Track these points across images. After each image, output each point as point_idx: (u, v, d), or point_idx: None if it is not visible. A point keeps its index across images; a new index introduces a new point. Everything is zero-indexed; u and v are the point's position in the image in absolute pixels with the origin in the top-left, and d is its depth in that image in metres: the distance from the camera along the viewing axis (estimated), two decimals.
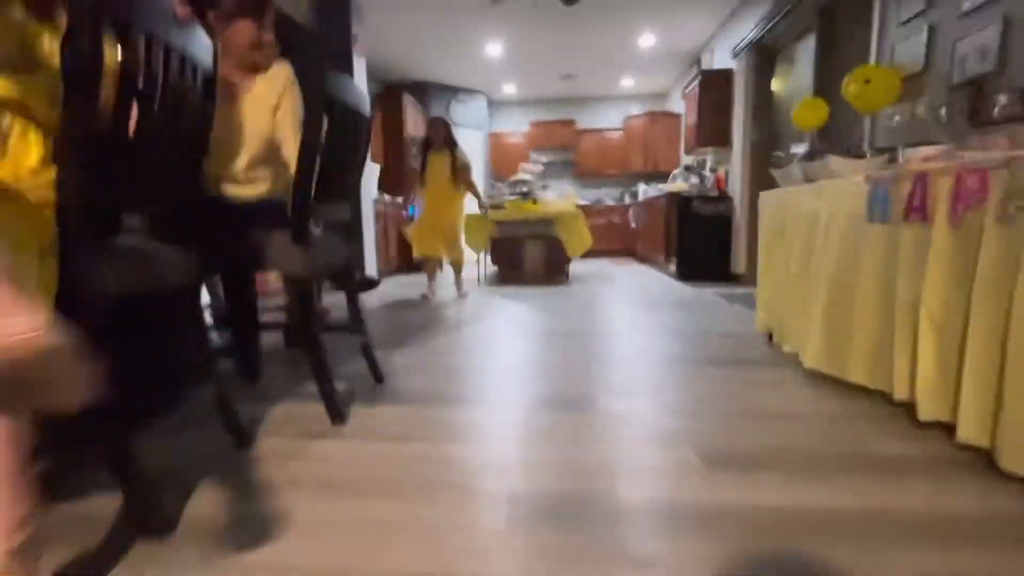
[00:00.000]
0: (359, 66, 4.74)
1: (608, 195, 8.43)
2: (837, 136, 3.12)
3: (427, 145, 4.12)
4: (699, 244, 4.93)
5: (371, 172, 5.17)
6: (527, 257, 5.38)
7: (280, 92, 1.61)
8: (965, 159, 1.27)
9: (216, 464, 1.26)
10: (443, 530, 1.00)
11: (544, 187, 6.59)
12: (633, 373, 2.00)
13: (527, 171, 5.77)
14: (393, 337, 2.74)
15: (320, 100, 1.39)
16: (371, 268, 4.97)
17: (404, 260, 6.16)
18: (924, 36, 2.41)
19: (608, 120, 8.33)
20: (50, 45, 0.99)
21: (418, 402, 1.72)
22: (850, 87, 2.40)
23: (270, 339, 2.44)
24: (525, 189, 5.41)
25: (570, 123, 8.20)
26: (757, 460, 1.26)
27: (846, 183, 1.74)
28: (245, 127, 1.58)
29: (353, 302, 1.90)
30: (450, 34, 5.55)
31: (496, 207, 5.36)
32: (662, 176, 7.35)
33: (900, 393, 1.46)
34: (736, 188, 4.83)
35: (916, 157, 1.57)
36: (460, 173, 4.06)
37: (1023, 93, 1.46)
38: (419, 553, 0.93)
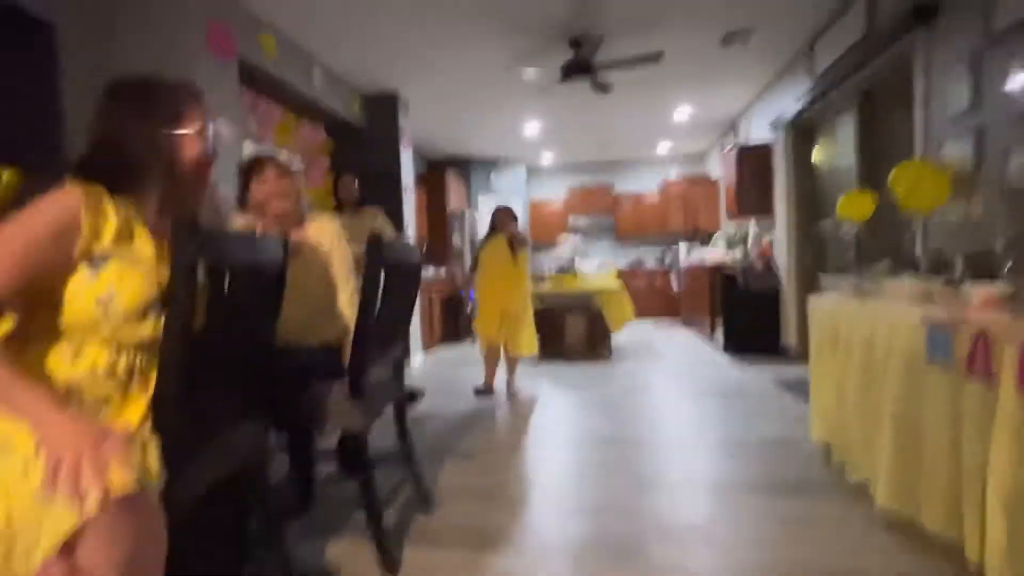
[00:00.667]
0: (406, 155, 5.04)
1: (648, 255, 8.40)
2: (886, 228, 3.04)
3: (491, 234, 3.87)
4: (746, 318, 4.81)
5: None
6: (568, 330, 5.38)
7: (330, 244, 1.74)
8: None
9: None
10: None
11: (584, 254, 6.66)
12: (681, 506, 1.94)
13: (566, 244, 5.87)
14: (436, 440, 2.77)
15: (377, 267, 1.49)
16: (416, 345, 5.09)
17: (445, 332, 6.28)
18: (972, 136, 2.36)
19: (645, 183, 8.41)
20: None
21: (472, 544, 1.70)
22: (898, 188, 2.37)
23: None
24: (565, 263, 5.48)
25: (608, 187, 8.33)
26: None
27: (904, 314, 1.69)
28: (302, 282, 1.71)
29: (403, 429, 1.95)
30: (490, 119, 5.85)
31: (537, 280, 5.44)
32: (703, 236, 7.30)
33: (971, 553, 1.36)
34: (782, 260, 4.73)
35: (977, 299, 1.52)
36: (519, 247, 3.79)
37: None
38: None
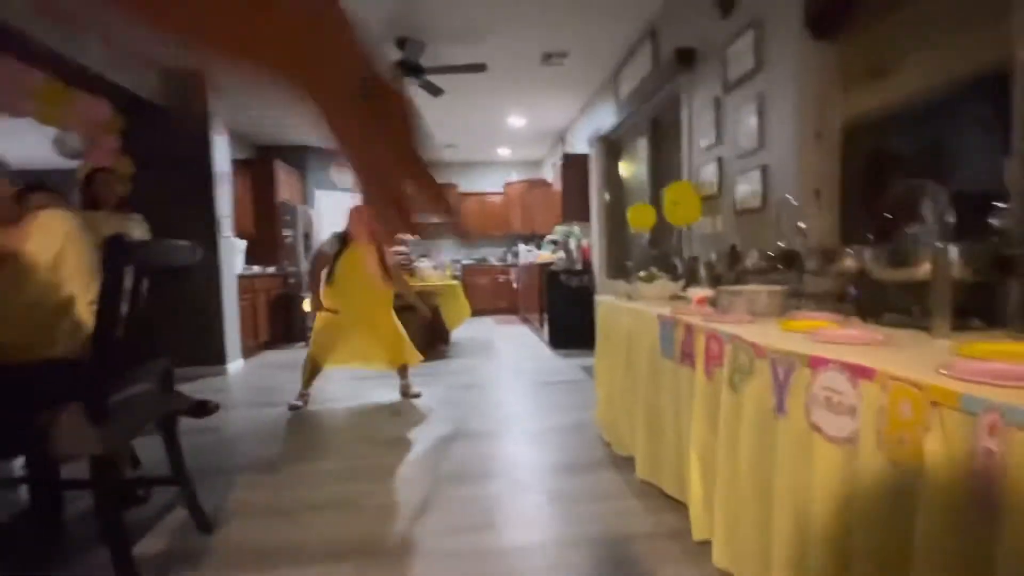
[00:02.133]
0: (220, 140, 4.55)
1: (492, 254, 8.73)
2: (666, 235, 3.57)
3: (346, 238, 3.31)
4: (567, 313, 5.27)
5: (233, 247, 4.89)
6: (407, 329, 5.36)
7: (58, 248, 1.50)
8: (713, 320, 1.55)
9: None
10: None
11: (423, 256, 6.69)
12: (488, 499, 2.07)
13: (404, 241, 5.83)
14: (237, 451, 2.58)
15: (117, 270, 1.34)
16: (234, 350, 4.65)
17: (274, 334, 5.83)
18: (716, 165, 2.89)
19: (489, 184, 8.72)
20: None
21: (249, 565, 1.63)
22: (665, 206, 2.81)
23: None
24: (403, 261, 5.44)
25: (452, 187, 8.46)
26: None
27: (647, 315, 2.01)
28: (21, 290, 1.46)
29: (173, 448, 1.78)
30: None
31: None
32: (540, 238, 7.82)
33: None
34: (595, 261, 5.28)
35: (693, 298, 1.87)
36: (389, 263, 3.45)
37: (762, 253, 1.83)
38: None
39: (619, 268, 4.49)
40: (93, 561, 1.65)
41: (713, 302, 1.82)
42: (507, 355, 5.04)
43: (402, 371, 3.61)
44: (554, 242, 6.18)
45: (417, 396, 3.57)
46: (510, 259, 8.45)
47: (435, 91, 4.41)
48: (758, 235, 2.43)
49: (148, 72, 4.05)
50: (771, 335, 1.30)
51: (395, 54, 3.94)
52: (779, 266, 1.80)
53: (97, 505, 1.38)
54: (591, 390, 3.56)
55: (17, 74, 2.98)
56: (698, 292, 1.90)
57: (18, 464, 2.18)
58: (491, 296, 8.11)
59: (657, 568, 1.54)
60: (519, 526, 1.82)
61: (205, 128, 4.39)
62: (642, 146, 4.45)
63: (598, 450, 2.49)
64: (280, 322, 5.95)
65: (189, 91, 4.35)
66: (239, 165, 5.73)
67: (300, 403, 3.37)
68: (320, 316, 3.30)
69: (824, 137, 2.13)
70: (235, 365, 4.62)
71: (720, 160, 2.86)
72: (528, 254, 7.51)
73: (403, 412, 3.25)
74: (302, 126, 6.25)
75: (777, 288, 1.59)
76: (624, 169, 5.10)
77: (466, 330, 6.48)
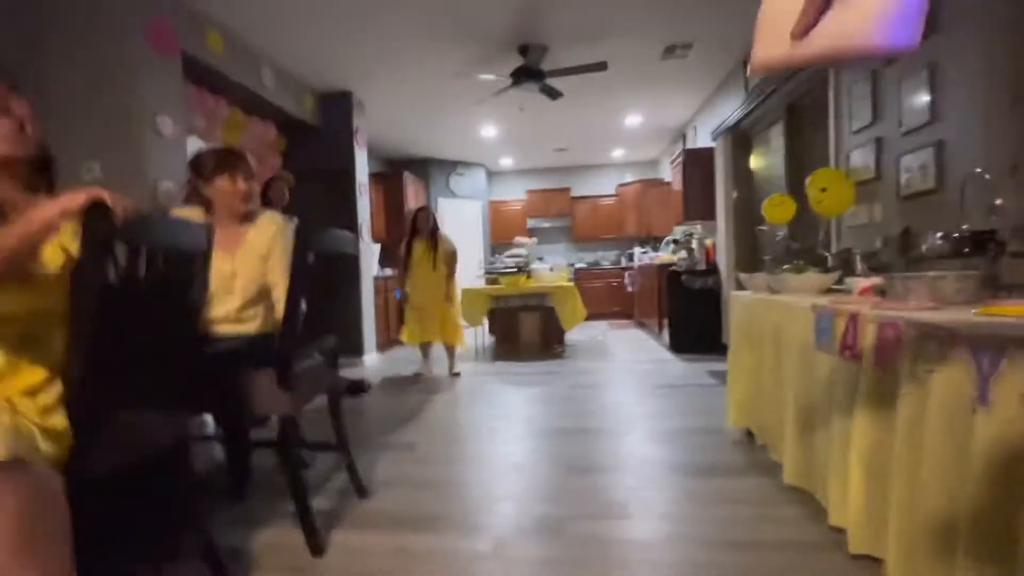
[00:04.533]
0: (360, 154, 5.05)
1: (604, 258, 8.62)
2: (807, 229, 3.27)
3: (413, 233, 4.27)
4: (690, 316, 5.02)
5: (371, 251, 5.40)
6: (523, 329, 5.50)
7: (270, 240, 1.80)
8: (885, 308, 1.39)
9: None
10: None
11: (540, 258, 6.80)
12: (621, 487, 2.05)
13: (521, 244, 5.98)
14: (380, 431, 2.82)
15: (303, 257, 1.55)
16: (370, 343, 5.10)
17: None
18: (873, 147, 2.59)
19: (602, 187, 8.64)
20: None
21: (406, 527, 1.77)
22: (810, 193, 2.57)
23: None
24: (520, 263, 5.59)
25: (565, 191, 8.52)
26: None
27: (798, 305, 1.86)
28: (239, 273, 1.76)
29: (337, 418, 2.00)
30: (447, 121, 5.92)
31: (492, 281, 5.53)
32: (657, 240, 7.56)
33: (834, 519, 1.53)
34: (722, 261, 4.98)
35: (856, 287, 1.69)
36: (446, 260, 4.27)
37: (944, 236, 1.60)
38: None
39: (752, 265, 4.20)
40: (277, 511, 1.91)
41: (881, 291, 1.63)
42: (626, 357, 4.93)
43: (450, 350, 4.41)
44: (675, 241, 5.95)
45: (457, 375, 4.32)
46: (624, 262, 8.27)
47: (554, 95, 4.49)
48: (928, 222, 2.13)
49: (303, 97, 4.63)
50: (966, 321, 1.13)
51: (517, 61, 4.08)
52: (966, 250, 1.56)
53: (282, 460, 1.60)
54: (720, 395, 3.36)
55: (212, 105, 3.58)
56: (861, 281, 1.71)
57: (210, 424, 2.59)
58: (605, 300, 8.00)
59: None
60: (653, 519, 1.77)
61: (350, 144, 4.91)
62: (776, 136, 4.12)
63: (736, 454, 2.34)
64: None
65: (336, 111, 4.89)
66: (374, 177, 6.30)
67: (424, 371, 4.39)
68: (407, 307, 4.33)
69: (1023, 102, 1.81)
70: (370, 357, 5.06)
71: (879, 141, 2.56)
72: (644, 256, 7.31)
73: (527, 405, 3.33)
74: (424, 141, 6.73)
75: (968, 273, 1.38)
76: (754, 163, 4.77)
77: (579, 333, 6.47)
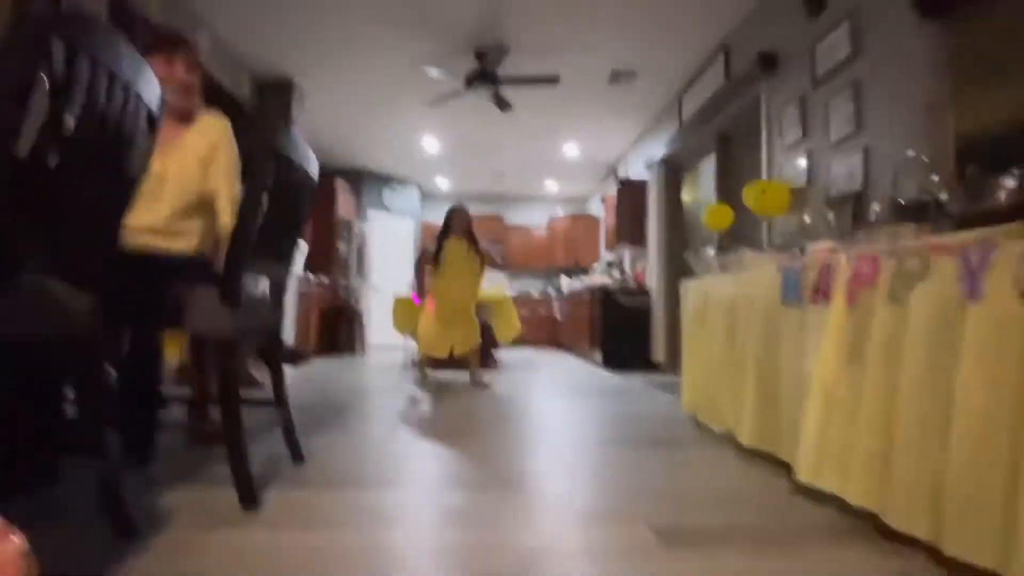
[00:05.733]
0: None
1: (533, 287, 8.73)
2: (741, 236, 3.51)
3: (445, 232, 3.85)
4: (623, 334, 5.14)
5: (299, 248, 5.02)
6: None
7: (213, 143, 1.56)
8: (861, 249, 1.48)
9: (94, 563, 1.02)
10: None
11: None
12: (568, 456, 1.95)
13: None
14: (314, 419, 2.51)
15: (269, 151, 1.36)
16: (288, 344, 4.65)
17: (325, 342, 5.85)
18: (804, 158, 2.87)
19: (534, 218, 8.86)
20: None
21: (340, 484, 1.54)
22: (750, 196, 2.77)
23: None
24: None
25: (499, 219, 8.62)
26: (709, 535, 1.24)
27: (764, 271, 1.93)
28: (169, 177, 1.50)
29: (278, 373, 1.73)
30: (390, 126, 5.81)
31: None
32: (583, 271, 7.80)
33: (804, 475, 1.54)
34: (653, 283, 5.20)
35: (819, 248, 1.80)
36: (485, 261, 3.91)
37: (891, 201, 1.76)
38: None
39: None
40: (194, 475, 1.58)
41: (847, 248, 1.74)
42: (561, 371, 4.90)
43: (474, 358, 3.95)
44: (609, 264, 6.15)
45: (487, 387, 3.81)
46: (551, 291, 8.41)
47: (504, 105, 4.58)
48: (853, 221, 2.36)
49: (240, 76, 4.33)
50: (951, 235, 1.22)
51: (471, 64, 4.14)
52: (912, 221, 1.72)
53: (222, 391, 1.33)
54: (663, 396, 3.41)
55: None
56: (820, 244, 1.82)
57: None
58: (532, 328, 7.99)
59: (783, 512, 1.38)
60: (622, 475, 1.68)
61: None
62: (707, 164, 4.48)
63: (690, 431, 2.34)
64: (328, 332, 5.98)
65: (274, 99, 4.63)
66: None
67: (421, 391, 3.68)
68: (424, 315, 3.90)
69: (936, 108, 2.10)
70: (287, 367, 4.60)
71: (809, 153, 2.84)
72: (573, 284, 7.48)
73: (467, 401, 3.14)
74: (361, 149, 6.55)
75: (923, 225, 1.52)
76: (686, 193, 5.12)
77: (509, 354, 6.38)
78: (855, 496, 1.28)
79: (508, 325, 4.99)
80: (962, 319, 1.09)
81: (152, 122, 1.14)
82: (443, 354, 3.80)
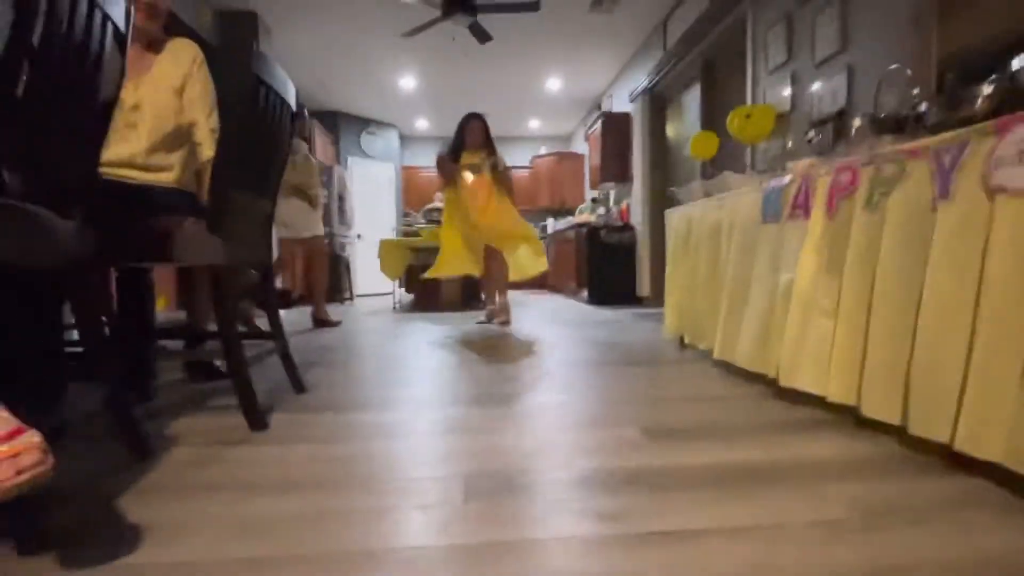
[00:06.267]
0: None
1: None
2: (724, 165, 3.51)
3: (460, 146, 3.36)
4: (608, 270, 5.22)
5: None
6: (444, 284, 5.34)
7: (186, 71, 1.51)
8: (840, 162, 1.51)
9: (110, 479, 1.07)
10: (398, 511, 0.93)
11: None
12: (558, 375, 2.04)
13: (441, 200, 5.81)
14: (310, 358, 2.56)
15: (248, 79, 1.32)
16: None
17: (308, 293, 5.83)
18: (788, 82, 2.84)
19: (517, 159, 8.68)
20: None
21: (342, 409, 1.61)
22: (734, 122, 2.75)
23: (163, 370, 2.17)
24: (440, 217, 5.42)
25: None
26: (691, 432, 1.34)
27: (744, 193, 1.97)
28: (144, 107, 1.45)
29: (271, 306, 1.76)
30: (364, 63, 5.56)
31: (412, 235, 5.31)
32: (569, 211, 7.76)
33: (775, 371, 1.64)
34: (637, 220, 5.23)
35: (799, 165, 1.82)
36: (502, 177, 3.36)
37: (871, 116, 1.78)
38: (370, 535, 0.85)
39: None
40: (196, 405, 1.63)
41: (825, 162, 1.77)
42: (549, 309, 5.00)
43: (501, 289, 3.59)
44: (593, 200, 6.13)
45: (507, 324, 3.52)
46: (537, 232, 8.40)
47: (484, 36, 4.39)
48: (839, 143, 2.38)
49: (199, 7, 4.07)
50: (928, 138, 1.25)
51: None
52: (891, 134, 1.75)
53: (219, 321, 1.36)
54: (648, 325, 3.52)
55: None
56: (800, 162, 1.85)
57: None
58: None
59: (769, 413, 1.49)
60: (610, 389, 1.78)
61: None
62: (693, 95, 4.40)
63: (675, 352, 2.45)
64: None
65: (238, 35, 4.37)
66: None
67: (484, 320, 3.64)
68: (444, 236, 3.45)
69: (921, 20, 2.07)
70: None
71: (793, 75, 2.81)
72: (557, 224, 7.47)
73: (458, 335, 3.22)
74: (335, 90, 6.28)
75: (901, 136, 1.54)
76: (670, 129, 5.05)
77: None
78: (834, 393, 1.38)
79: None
80: (933, 219, 1.14)
81: (121, 42, 1.09)
82: (453, 273, 3.46)
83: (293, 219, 3.87)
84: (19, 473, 0.60)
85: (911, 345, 1.17)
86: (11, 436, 0.62)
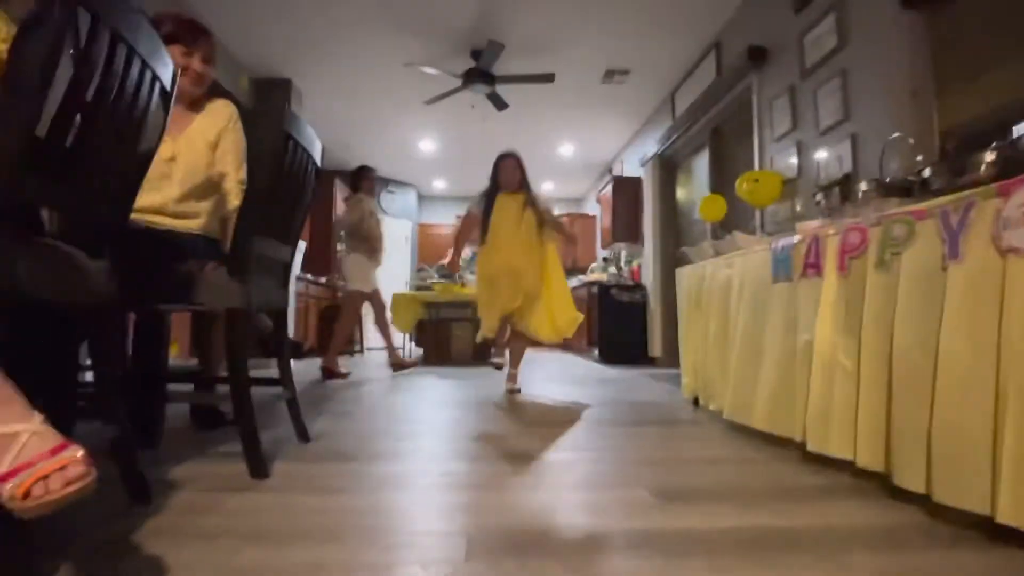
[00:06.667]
0: None
1: None
2: (734, 227, 3.57)
3: (495, 189, 2.99)
4: (619, 329, 5.19)
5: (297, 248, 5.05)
6: (455, 339, 5.34)
7: (221, 127, 1.61)
8: (849, 222, 1.53)
9: (108, 524, 1.05)
10: (398, 567, 0.89)
11: (473, 273, 6.74)
12: (568, 434, 1.99)
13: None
14: (318, 407, 2.54)
15: (279, 134, 1.40)
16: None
17: (325, 341, 5.85)
18: (795, 150, 2.94)
19: None
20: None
21: (346, 459, 1.58)
22: (743, 186, 2.83)
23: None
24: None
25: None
26: (707, 495, 1.28)
27: (754, 252, 1.99)
28: (179, 160, 1.55)
29: (283, 354, 1.77)
30: (387, 126, 5.87)
31: (424, 288, 5.37)
32: (580, 271, 7.85)
33: (799, 434, 1.58)
34: (648, 279, 5.26)
35: (808, 225, 1.85)
36: (544, 216, 3.05)
37: (876, 181, 1.82)
38: None
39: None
40: (200, 451, 1.61)
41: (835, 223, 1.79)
42: (560, 367, 4.94)
43: (516, 361, 3.16)
44: (604, 259, 6.20)
45: (517, 392, 3.08)
46: None
47: (501, 104, 4.64)
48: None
49: (238, 75, 4.38)
50: (932, 200, 1.27)
51: (468, 63, 4.20)
52: (897, 197, 1.78)
53: (230, 364, 1.37)
54: (662, 385, 3.45)
55: None
56: (809, 223, 1.88)
57: None
58: None
59: (786, 477, 1.43)
60: (622, 448, 1.72)
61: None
62: (701, 159, 4.54)
63: (689, 412, 2.38)
64: (327, 331, 5.98)
65: (273, 99, 4.68)
66: None
67: (499, 362, 3.28)
68: (480, 286, 3.06)
69: (920, 94, 2.16)
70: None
71: (799, 143, 2.91)
72: (569, 282, 7.52)
73: (469, 390, 3.17)
74: (360, 150, 6.60)
75: (907, 199, 1.57)
76: (680, 191, 5.18)
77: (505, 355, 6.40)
78: (862, 458, 1.32)
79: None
80: (944, 279, 1.14)
81: (166, 100, 1.18)
82: (495, 319, 2.95)
83: (352, 273, 3.96)
84: (67, 485, 0.63)
85: (930, 409, 1.13)
86: (58, 450, 0.66)
